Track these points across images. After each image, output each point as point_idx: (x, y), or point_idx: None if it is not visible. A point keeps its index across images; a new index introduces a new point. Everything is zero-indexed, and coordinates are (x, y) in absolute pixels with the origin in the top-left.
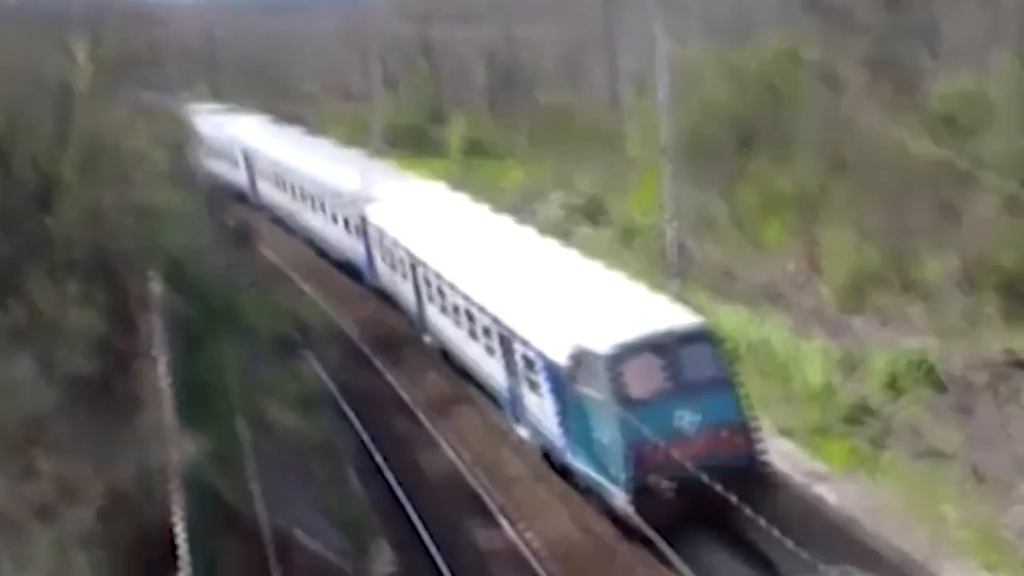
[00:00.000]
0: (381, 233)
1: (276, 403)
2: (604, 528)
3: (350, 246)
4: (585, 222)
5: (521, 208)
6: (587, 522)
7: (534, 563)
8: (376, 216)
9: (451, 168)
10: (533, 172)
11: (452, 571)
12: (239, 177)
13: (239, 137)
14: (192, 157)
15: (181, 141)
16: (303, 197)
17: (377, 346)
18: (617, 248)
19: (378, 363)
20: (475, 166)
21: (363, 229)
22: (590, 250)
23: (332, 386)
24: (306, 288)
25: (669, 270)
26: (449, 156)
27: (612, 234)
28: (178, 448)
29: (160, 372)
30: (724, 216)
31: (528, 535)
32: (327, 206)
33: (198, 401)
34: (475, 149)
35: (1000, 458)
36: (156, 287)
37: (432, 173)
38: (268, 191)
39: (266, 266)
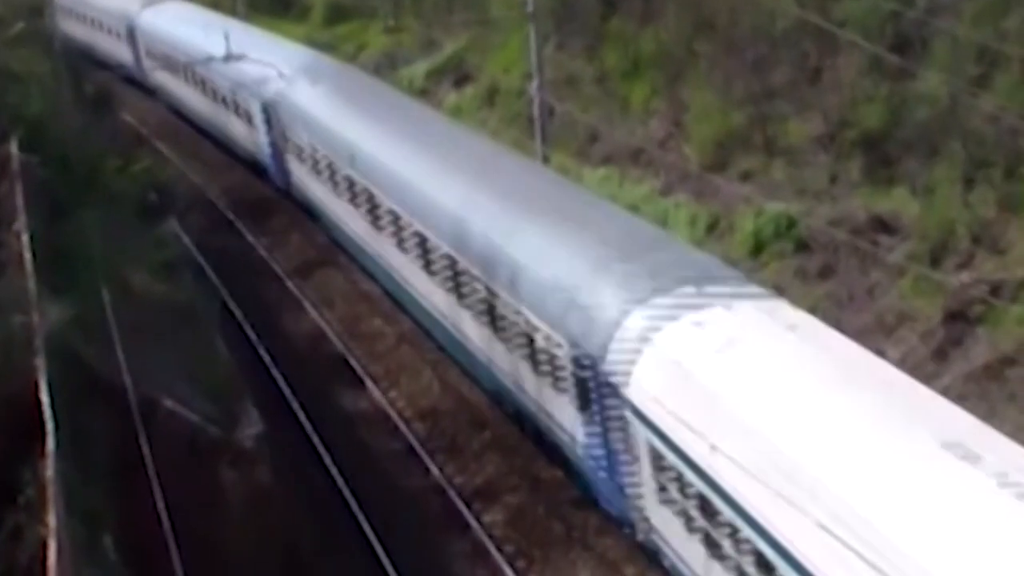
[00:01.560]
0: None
1: (140, 269)
2: (466, 387)
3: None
4: (449, 84)
5: (384, 71)
6: (450, 382)
7: (399, 423)
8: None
9: (313, 32)
10: (397, 35)
11: (319, 432)
12: (258, 141)
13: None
14: (51, 21)
15: (39, 5)
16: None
17: (242, 212)
18: (482, 109)
19: (243, 228)
20: (338, 30)
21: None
22: (455, 112)
23: (196, 252)
24: (170, 155)
25: (534, 132)
26: (312, 20)
27: (476, 95)
28: (41, 316)
29: (22, 239)
30: (589, 77)
31: (392, 395)
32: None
33: (61, 268)
34: (338, 13)
35: (863, 316)
36: (16, 153)
37: (295, 37)
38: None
39: (129, 132)
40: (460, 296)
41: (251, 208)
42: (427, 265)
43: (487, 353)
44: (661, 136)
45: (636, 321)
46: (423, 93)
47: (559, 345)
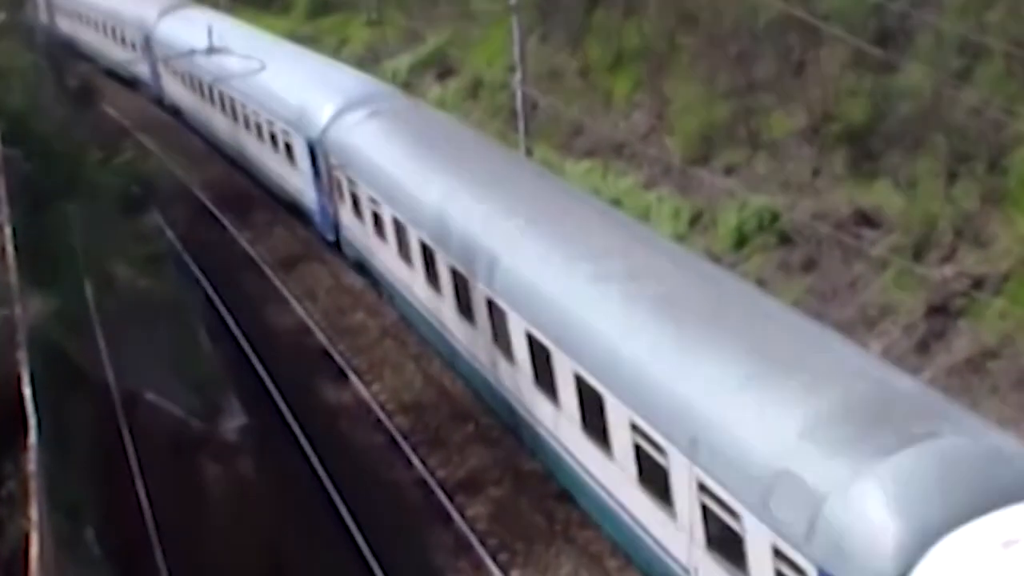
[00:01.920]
0: None
1: (123, 262)
2: (449, 380)
3: None
4: (432, 77)
5: (368, 64)
6: (433, 375)
7: (382, 416)
8: None
9: (296, 26)
10: (380, 29)
11: (302, 426)
12: (302, 185)
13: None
14: (32, 13)
15: None
16: None
17: (225, 205)
18: (465, 102)
19: (226, 222)
20: (321, 24)
21: None
22: (439, 105)
23: (180, 245)
24: (153, 148)
25: (517, 125)
26: (294, 14)
27: (459, 88)
28: (24, 308)
29: (5, 232)
30: (572, 71)
31: (375, 388)
32: None
33: (44, 261)
34: (321, 7)
35: (846, 309)
36: None
37: (278, 31)
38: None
39: (112, 125)
40: (605, 444)
41: (234, 202)
42: (546, 382)
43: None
44: (644, 129)
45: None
46: (406, 86)
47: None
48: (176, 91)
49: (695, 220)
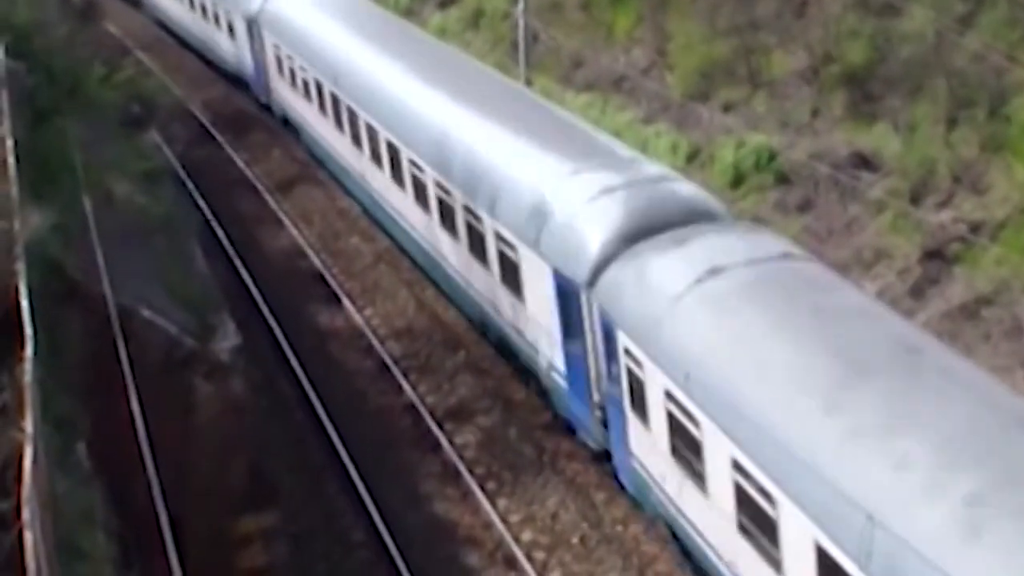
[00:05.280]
0: None
1: (122, 179)
2: (442, 307)
3: None
4: (434, 5)
5: None
6: (426, 302)
7: (374, 342)
8: None
9: None
10: None
11: (293, 347)
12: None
13: None
14: None
15: None
16: None
17: (223, 125)
18: (466, 32)
19: (224, 142)
20: None
21: None
22: (439, 34)
23: (177, 164)
24: (153, 66)
25: (517, 56)
26: None
27: (461, 17)
28: (22, 222)
29: (7, 144)
30: (574, 3)
31: (368, 313)
32: None
33: (43, 175)
34: None
35: (841, 251)
36: (3, 58)
37: None
38: None
39: (113, 43)
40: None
41: (232, 121)
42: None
43: None
44: (644, 64)
45: None
46: (408, 14)
47: None
48: None
49: (692, 156)
